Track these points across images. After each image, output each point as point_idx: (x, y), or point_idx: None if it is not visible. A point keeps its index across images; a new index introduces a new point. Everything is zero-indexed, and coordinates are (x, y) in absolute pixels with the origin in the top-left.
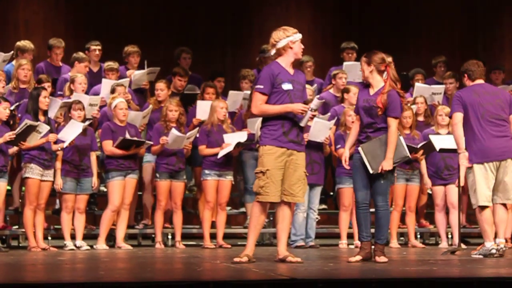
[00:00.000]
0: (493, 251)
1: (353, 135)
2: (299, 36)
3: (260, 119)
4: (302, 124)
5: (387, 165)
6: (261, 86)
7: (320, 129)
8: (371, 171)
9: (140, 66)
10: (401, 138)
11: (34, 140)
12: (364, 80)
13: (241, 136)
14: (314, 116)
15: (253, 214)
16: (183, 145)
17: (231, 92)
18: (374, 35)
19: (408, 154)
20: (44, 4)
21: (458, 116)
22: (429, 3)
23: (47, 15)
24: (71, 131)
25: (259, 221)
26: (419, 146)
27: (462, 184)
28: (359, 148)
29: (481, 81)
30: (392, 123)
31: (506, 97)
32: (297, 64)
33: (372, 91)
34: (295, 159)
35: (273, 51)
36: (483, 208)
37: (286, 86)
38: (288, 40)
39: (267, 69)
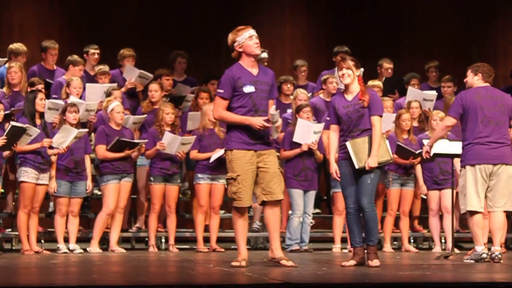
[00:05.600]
0: (484, 255)
1: (334, 146)
2: (248, 33)
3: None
4: (273, 137)
5: (372, 162)
6: (221, 91)
7: (304, 131)
8: (356, 166)
9: None
10: (387, 141)
11: (23, 143)
12: (349, 84)
13: (220, 153)
14: (279, 126)
15: (234, 221)
16: (177, 148)
17: None
18: (368, 40)
19: (391, 158)
20: (38, 7)
21: (450, 121)
22: (422, 8)
23: (41, 18)
24: (64, 137)
25: (244, 225)
26: (417, 152)
27: (456, 189)
28: (347, 143)
29: (487, 84)
30: (376, 122)
31: (509, 102)
32: (292, 69)
33: (350, 97)
34: (266, 157)
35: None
36: (473, 213)
37: (248, 89)
38: (236, 44)
39: (228, 73)
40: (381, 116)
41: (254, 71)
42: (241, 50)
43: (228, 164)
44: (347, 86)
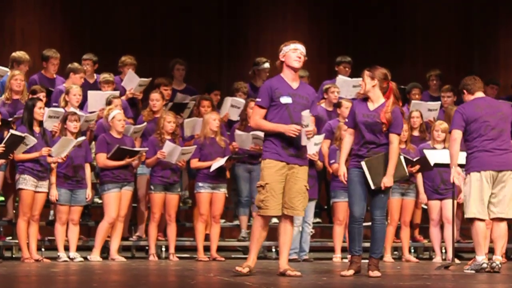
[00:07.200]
0: (484, 265)
1: (346, 149)
2: (294, 45)
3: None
4: (302, 143)
5: (388, 181)
6: (259, 99)
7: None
8: (372, 187)
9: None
10: (402, 157)
11: (19, 152)
12: (364, 93)
13: (221, 162)
14: (310, 132)
15: (254, 227)
16: (177, 157)
17: (226, 98)
18: (369, 48)
19: (407, 174)
20: (39, 13)
21: (457, 133)
22: (424, 16)
23: (43, 24)
24: (63, 146)
25: (261, 234)
26: (415, 159)
27: (456, 199)
28: (362, 163)
29: (481, 93)
30: (395, 139)
31: (507, 110)
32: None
33: (372, 106)
34: (296, 172)
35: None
36: (475, 220)
37: (285, 100)
38: (281, 53)
39: (266, 83)
40: (399, 134)
41: (294, 84)
42: (283, 59)
43: (261, 172)
44: (367, 96)
